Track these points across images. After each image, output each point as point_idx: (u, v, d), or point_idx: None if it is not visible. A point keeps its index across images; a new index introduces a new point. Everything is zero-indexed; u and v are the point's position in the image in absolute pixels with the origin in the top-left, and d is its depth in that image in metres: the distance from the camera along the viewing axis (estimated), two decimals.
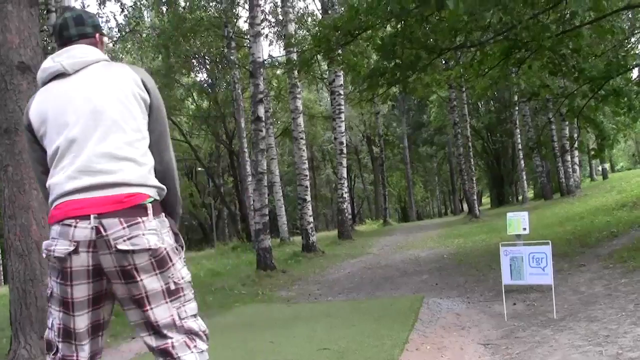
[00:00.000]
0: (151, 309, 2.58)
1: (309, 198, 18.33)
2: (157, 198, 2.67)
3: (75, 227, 2.49)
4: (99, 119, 2.59)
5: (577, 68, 10.03)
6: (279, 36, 26.42)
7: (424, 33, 10.48)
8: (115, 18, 36.03)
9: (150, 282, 2.56)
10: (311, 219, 17.96)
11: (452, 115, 27.58)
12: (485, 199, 59.74)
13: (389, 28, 11.98)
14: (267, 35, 26.24)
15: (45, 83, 2.73)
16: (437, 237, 18.91)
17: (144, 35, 27.60)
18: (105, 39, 2.48)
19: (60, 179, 2.57)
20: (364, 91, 12.38)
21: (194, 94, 33.94)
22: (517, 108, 31.68)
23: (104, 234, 2.47)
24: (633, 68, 12.43)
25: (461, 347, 5.31)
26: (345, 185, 22.04)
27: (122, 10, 24.98)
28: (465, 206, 39.13)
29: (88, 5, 58.15)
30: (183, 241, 2.84)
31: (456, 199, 52.14)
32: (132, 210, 2.53)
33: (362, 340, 5.53)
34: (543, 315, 6.11)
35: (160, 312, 2.60)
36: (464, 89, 26.65)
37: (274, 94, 30.70)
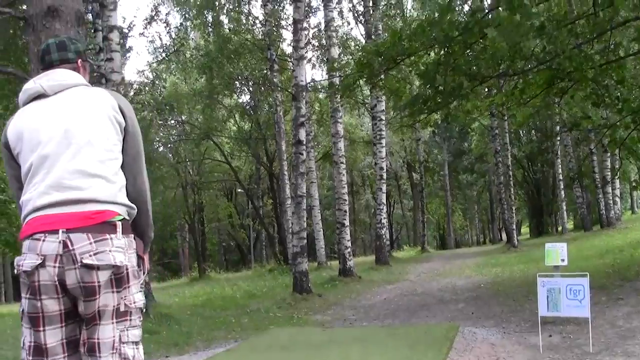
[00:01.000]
0: (99, 324, 2.59)
1: (347, 222, 18.32)
2: (127, 217, 2.72)
3: (43, 241, 2.52)
4: (72, 137, 2.66)
5: (621, 99, 9.94)
6: (322, 60, 26.59)
7: (466, 60, 10.48)
8: (160, 38, 36.34)
9: (106, 299, 2.58)
10: (349, 244, 17.96)
11: (494, 143, 27.44)
12: (524, 229, 58.99)
13: (432, 55, 12.02)
14: (310, 59, 26.43)
15: (25, 104, 2.81)
16: (474, 266, 18.76)
17: (188, 55, 27.97)
18: (87, 65, 2.55)
19: (32, 195, 2.62)
20: (406, 117, 12.41)
21: (235, 115, 34.21)
22: (558, 138, 31.35)
23: (70, 248, 2.50)
24: None
25: None
26: (384, 210, 21.99)
27: (168, 31, 25.38)
28: (504, 235, 38.71)
29: (134, 25, 59.35)
30: (147, 267, 2.89)
31: (495, 228, 51.65)
32: (101, 226, 2.58)
33: None
34: (579, 348, 6.05)
35: (105, 332, 2.60)
36: (505, 118, 26.52)
37: (316, 118, 30.80)
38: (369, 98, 23.48)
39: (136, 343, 2.70)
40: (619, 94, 9.89)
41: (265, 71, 26.45)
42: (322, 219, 26.29)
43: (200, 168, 36.80)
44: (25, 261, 2.54)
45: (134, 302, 2.68)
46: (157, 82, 29.25)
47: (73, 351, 2.61)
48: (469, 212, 61.75)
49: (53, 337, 2.57)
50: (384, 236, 21.49)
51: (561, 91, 11.00)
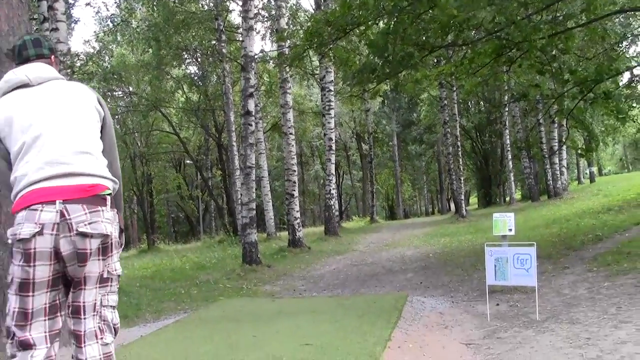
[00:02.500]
0: (84, 289, 2.89)
1: (296, 193, 18.29)
2: (112, 193, 3.03)
3: (41, 211, 2.75)
4: (63, 119, 2.96)
5: (568, 69, 10.03)
6: (271, 31, 26.32)
7: (416, 30, 10.45)
8: (107, 8, 35.56)
9: (92, 265, 2.88)
10: (298, 215, 17.93)
11: (442, 114, 27.57)
12: (473, 199, 59.79)
13: (381, 24, 11.95)
14: (259, 31, 26.20)
15: (5, 93, 3.05)
16: (423, 236, 18.93)
17: (135, 26, 27.44)
18: (58, 61, 2.95)
19: (25, 171, 2.84)
20: (354, 87, 12.35)
21: (184, 86, 33.75)
22: (507, 109, 31.68)
23: (67, 217, 2.76)
24: (624, 72, 12.46)
25: (443, 346, 5.30)
26: (333, 181, 21.99)
27: (115, 1, 24.86)
28: (452, 206, 39.18)
29: None
30: (124, 240, 3.22)
31: (443, 198, 52.26)
32: (94, 199, 2.87)
33: (345, 337, 5.51)
34: (526, 316, 6.11)
35: (89, 296, 2.90)
36: (454, 88, 26.69)
37: (265, 89, 30.57)
38: (318, 69, 23.35)
39: (113, 307, 3.04)
40: (562, 64, 9.97)
41: (213, 42, 26.09)
42: (271, 190, 26.20)
43: (148, 139, 36.34)
44: (23, 230, 2.74)
45: (115, 270, 3.02)
46: (104, 52, 28.72)
47: (52, 315, 2.86)
48: (418, 182, 62.17)
49: (38, 301, 2.80)
50: (333, 207, 21.52)
51: (509, 60, 11.06)
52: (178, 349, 5.62)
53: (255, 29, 22.98)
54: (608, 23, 12.95)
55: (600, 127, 27.83)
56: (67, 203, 2.78)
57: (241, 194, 15.28)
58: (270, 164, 40.31)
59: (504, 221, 7.52)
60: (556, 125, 26.61)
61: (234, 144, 23.66)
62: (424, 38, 10.74)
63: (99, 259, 2.89)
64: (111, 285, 3.01)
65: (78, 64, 21.73)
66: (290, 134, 18.75)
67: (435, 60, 16.34)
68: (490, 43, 10.42)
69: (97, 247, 2.86)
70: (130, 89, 33.36)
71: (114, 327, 3.03)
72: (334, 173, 23.00)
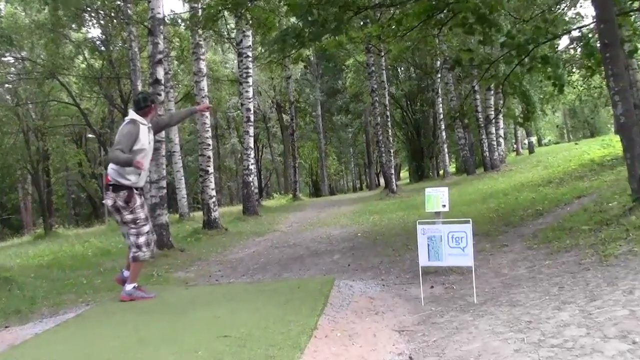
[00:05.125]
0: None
1: (211, 169, 18.10)
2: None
3: None
4: None
5: (503, 32, 10.13)
6: None
7: None
8: None
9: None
10: (213, 193, 17.77)
11: (370, 81, 27.60)
12: (404, 173, 60.60)
13: None
14: None
15: None
16: (350, 214, 19.00)
17: None
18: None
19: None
20: (274, 52, 12.20)
21: (84, 51, 32.88)
22: (439, 75, 32.03)
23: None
24: (562, 35, 12.66)
25: (374, 334, 5.28)
26: (252, 156, 21.86)
27: None
28: (382, 180, 39.56)
29: None
30: None
31: (372, 173, 52.73)
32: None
33: (267, 326, 5.43)
34: (462, 299, 6.15)
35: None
36: (382, 54, 26.79)
37: (176, 54, 30.13)
38: (235, 33, 23.09)
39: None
40: (495, 25, 10.04)
41: (118, 2, 25.39)
42: (183, 166, 25.92)
43: (44, 111, 35.24)
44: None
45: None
46: None
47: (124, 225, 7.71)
48: (344, 155, 62.58)
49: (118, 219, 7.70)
50: (252, 183, 21.40)
51: (439, 23, 11.10)
52: (80, 347, 5.43)
53: None
54: None
55: (538, 94, 28.38)
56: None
57: (150, 171, 14.97)
58: (183, 137, 39.89)
59: (437, 196, 7.56)
60: (492, 92, 27.05)
61: None
62: None
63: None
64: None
65: None
66: (206, 112, 18.48)
67: (362, 23, 16.30)
68: (420, 4, 10.43)
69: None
70: (23, 54, 32.25)
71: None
72: (253, 147, 22.84)
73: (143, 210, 7.68)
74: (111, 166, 7.46)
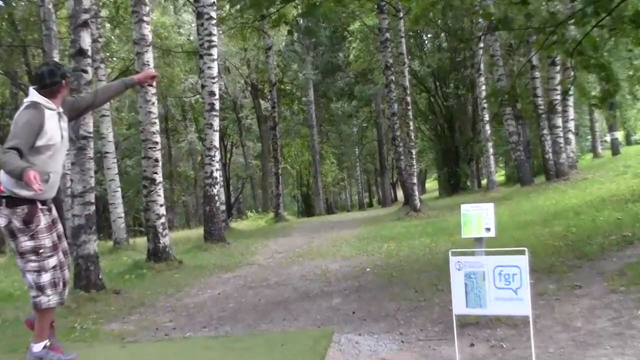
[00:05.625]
0: None
1: (159, 178, 18.02)
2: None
3: None
4: None
5: None
6: None
7: None
8: None
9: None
10: (163, 211, 17.73)
11: (383, 54, 27.55)
12: (431, 183, 60.74)
13: None
14: None
15: None
16: (356, 241, 19.04)
17: None
18: None
19: None
20: (247, 10, 12.20)
21: None
22: (481, 45, 31.91)
23: None
24: None
25: None
26: (217, 159, 21.90)
27: None
28: (400, 193, 39.60)
29: None
30: None
31: (386, 183, 52.70)
32: None
33: None
34: None
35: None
36: (400, 14, 26.72)
37: (108, 15, 30.19)
38: None
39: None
40: None
41: None
42: (119, 174, 25.89)
43: None
44: None
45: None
46: None
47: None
48: (347, 158, 62.62)
49: None
50: (216, 198, 21.43)
51: None
52: None
53: None
54: None
55: (626, 70, 28.14)
56: None
57: (72, 180, 14.92)
58: (119, 132, 39.86)
59: (479, 216, 7.54)
60: (557, 68, 26.85)
61: None
62: None
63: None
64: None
65: None
66: (150, 85, 18.45)
67: None
68: None
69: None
70: None
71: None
72: (218, 146, 22.85)
73: (50, 236, 7.08)
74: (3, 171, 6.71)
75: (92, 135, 14.02)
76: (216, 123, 21.59)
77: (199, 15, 21.41)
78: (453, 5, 13.00)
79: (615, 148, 39.54)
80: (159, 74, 22.34)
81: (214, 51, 21.30)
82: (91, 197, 13.54)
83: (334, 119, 53.91)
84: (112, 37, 33.16)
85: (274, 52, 37.93)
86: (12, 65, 32.49)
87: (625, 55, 26.16)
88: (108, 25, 30.70)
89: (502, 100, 30.03)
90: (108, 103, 23.19)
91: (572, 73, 15.32)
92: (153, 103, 18.30)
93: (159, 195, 17.65)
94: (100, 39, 24.74)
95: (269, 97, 38.29)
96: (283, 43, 42.82)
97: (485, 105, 32.70)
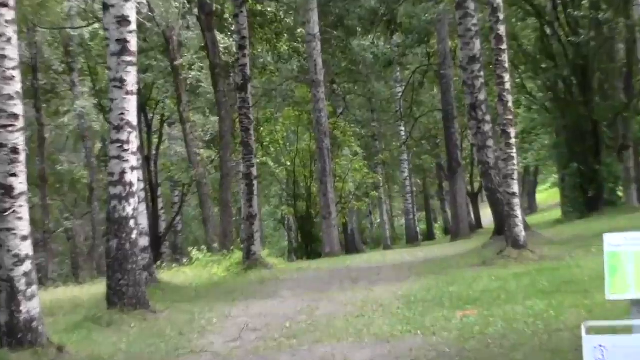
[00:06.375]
0: None
1: (21, 186, 18.07)
2: None
3: None
4: None
5: None
6: None
7: None
8: None
9: None
10: (27, 249, 17.74)
11: None
12: (546, 193, 60.64)
13: None
14: None
15: None
16: (402, 306, 19.02)
17: None
18: None
19: None
20: None
21: None
22: None
23: None
24: None
25: None
26: (134, 146, 21.94)
27: None
28: (485, 213, 39.69)
29: None
30: None
31: (459, 193, 51.96)
32: None
33: None
34: None
35: None
36: None
37: None
38: None
39: None
40: None
41: None
42: None
43: None
44: None
45: None
46: None
47: None
48: (383, 146, 62.57)
49: None
50: (131, 224, 21.49)
51: None
52: None
53: None
54: None
55: None
56: None
57: None
58: None
59: (638, 256, 7.48)
60: None
61: None
62: None
63: None
64: None
65: None
66: None
67: None
68: None
69: None
70: None
71: None
72: (135, 122, 22.95)
73: None
74: None
75: None
76: (131, 78, 21.50)
77: None
78: None
79: None
80: None
81: None
82: None
83: (358, 71, 53.63)
84: None
85: None
86: None
87: None
88: None
89: None
90: None
91: None
92: (9, 39, 18.04)
93: (20, 219, 17.56)
94: None
95: (232, 26, 38.25)
96: None
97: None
